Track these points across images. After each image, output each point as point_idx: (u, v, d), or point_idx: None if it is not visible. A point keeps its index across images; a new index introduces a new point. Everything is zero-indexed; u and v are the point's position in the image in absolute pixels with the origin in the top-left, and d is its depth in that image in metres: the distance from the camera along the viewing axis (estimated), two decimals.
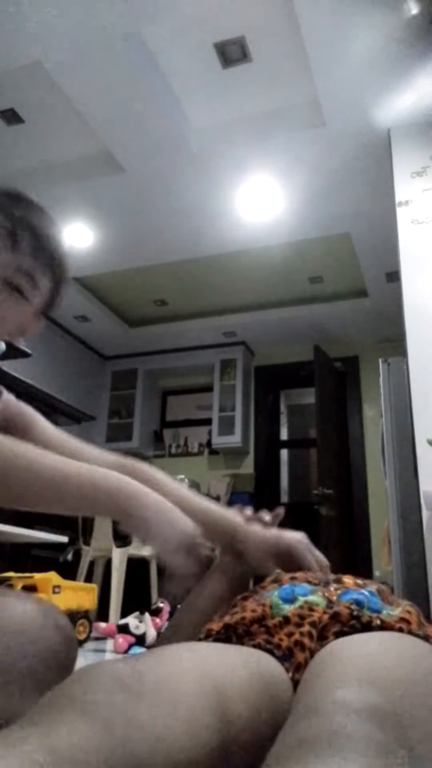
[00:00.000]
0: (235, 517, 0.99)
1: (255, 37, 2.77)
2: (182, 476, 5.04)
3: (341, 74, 2.78)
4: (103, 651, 2.56)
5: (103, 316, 5.37)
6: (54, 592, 2.51)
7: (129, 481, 0.77)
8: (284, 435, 6.21)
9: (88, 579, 3.74)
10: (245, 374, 5.72)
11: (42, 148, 3.47)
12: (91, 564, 3.85)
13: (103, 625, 2.64)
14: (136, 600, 3.31)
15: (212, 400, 5.70)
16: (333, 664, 0.57)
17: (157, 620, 2.60)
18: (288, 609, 0.72)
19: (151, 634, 2.51)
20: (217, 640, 0.72)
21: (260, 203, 3.76)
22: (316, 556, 0.94)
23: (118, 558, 3.46)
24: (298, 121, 3.15)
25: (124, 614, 2.84)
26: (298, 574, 0.83)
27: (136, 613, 2.60)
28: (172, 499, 0.92)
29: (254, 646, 0.68)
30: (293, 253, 4.38)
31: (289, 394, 6.30)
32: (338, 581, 0.80)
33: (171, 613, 2.73)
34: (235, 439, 5.49)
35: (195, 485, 5.20)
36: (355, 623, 0.67)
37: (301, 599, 0.74)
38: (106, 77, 2.86)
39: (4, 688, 0.61)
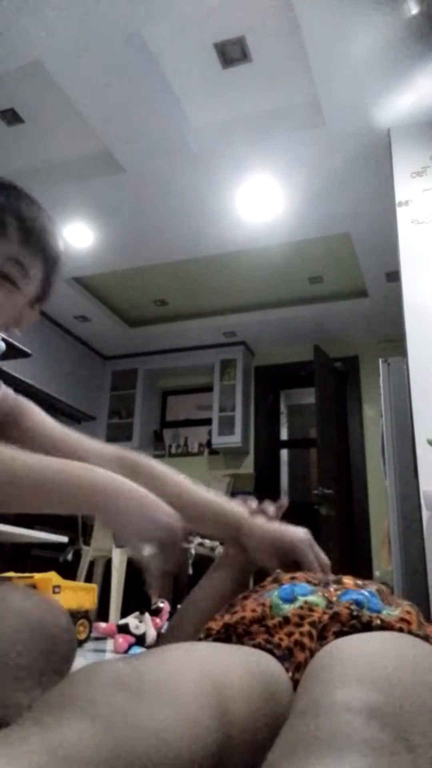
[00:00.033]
0: (239, 509, 0.98)
1: (255, 37, 2.77)
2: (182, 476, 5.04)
3: (341, 74, 2.78)
4: (103, 651, 2.56)
5: (103, 316, 5.37)
6: (54, 592, 2.51)
7: (98, 475, 0.72)
8: (284, 435, 6.21)
9: (88, 579, 3.74)
10: (245, 374, 5.72)
11: (42, 148, 3.47)
12: (91, 564, 3.85)
13: (103, 625, 2.64)
14: (136, 600, 3.31)
15: (212, 400, 5.70)
16: (333, 664, 0.57)
17: (157, 620, 2.60)
18: (288, 609, 0.72)
19: (151, 634, 2.51)
20: (217, 639, 0.72)
21: (260, 203, 3.76)
22: (318, 555, 0.94)
23: (118, 558, 3.46)
24: (298, 121, 3.15)
25: (124, 614, 2.84)
26: (298, 574, 0.83)
27: (136, 613, 2.60)
28: (171, 491, 0.92)
29: (254, 646, 0.68)
30: (293, 253, 4.38)
31: (289, 394, 6.30)
32: (338, 582, 0.80)
33: (171, 613, 2.73)
34: (235, 439, 5.49)
35: None
36: (355, 623, 0.67)
37: (301, 599, 0.74)
38: (106, 77, 2.86)
39: (5, 679, 0.60)
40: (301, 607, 0.72)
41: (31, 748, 0.39)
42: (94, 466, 0.74)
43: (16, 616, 0.66)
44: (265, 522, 0.96)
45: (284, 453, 6.13)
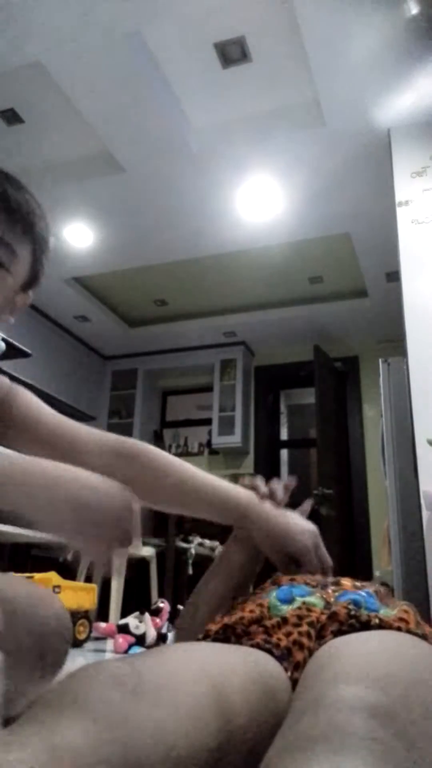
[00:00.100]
0: (247, 495, 0.94)
1: (255, 37, 2.77)
2: None
3: (341, 74, 2.78)
4: (103, 651, 2.56)
5: (103, 316, 5.37)
6: (54, 592, 2.51)
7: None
8: (284, 435, 6.20)
9: (88, 579, 3.74)
10: (245, 374, 5.72)
11: (42, 148, 3.47)
12: (91, 564, 3.85)
13: (103, 625, 2.63)
14: (136, 600, 3.31)
15: (212, 400, 5.70)
16: (332, 662, 0.57)
17: (157, 620, 2.60)
18: (286, 610, 0.73)
19: (151, 634, 2.51)
20: (215, 640, 0.72)
21: (260, 203, 3.76)
22: (322, 557, 0.93)
23: (118, 558, 3.46)
24: (298, 121, 3.15)
25: (124, 614, 2.84)
26: (298, 577, 0.83)
27: (136, 613, 2.60)
28: (171, 480, 0.91)
29: (253, 646, 0.68)
30: (293, 253, 4.38)
31: (289, 394, 6.30)
32: (337, 584, 0.81)
33: (171, 613, 2.73)
34: (235, 439, 5.50)
35: None
36: (353, 622, 0.67)
37: (299, 600, 0.74)
38: (106, 77, 2.86)
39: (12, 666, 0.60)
40: (299, 608, 0.72)
41: (31, 748, 0.40)
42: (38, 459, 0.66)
43: (10, 604, 0.66)
44: (273, 511, 0.93)
45: (284, 453, 6.13)
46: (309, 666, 0.61)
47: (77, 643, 2.52)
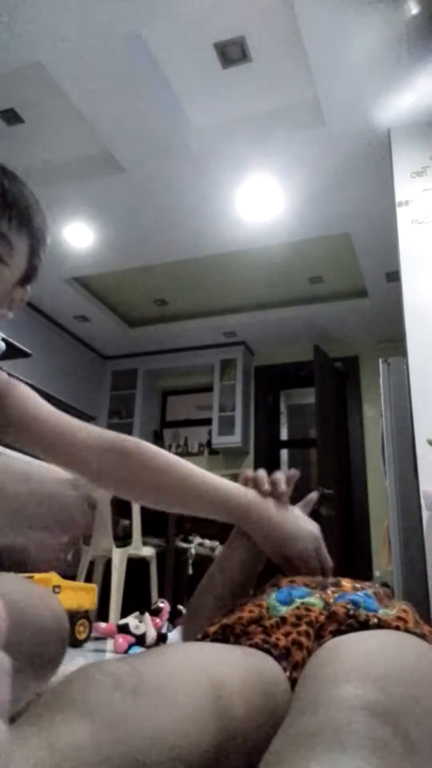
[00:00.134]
0: (248, 494, 0.92)
1: (255, 37, 2.77)
2: None
3: (341, 74, 2.79)
4: (103, 651, 2.56)
5: (103, 316, 5.37)
6: (54, 592, 2.51)
7: None
8: (284, 435, 6.21)
9: (88, 579, 3.74)
10: (245, 374, 5.72)
11: (42, 148, 3.47)
12: (91, 564, 3.85)
13: (103, 625, 2.63)
14: (136, 600, 3.31)
15: (212, 400, 5.71)
16: (332, 662, 0.57)
17: (157, 620, 2.60)
18: (285, 610, 0.73)
19: (151, 634, 2.51)
20: (214, 640, 0.72)
21: (260, 203, 3.76)
22: (322, 558, 0.93)
23: (118, 558, 3.46)
24: (298, 121, 3.15)
25: (124, 614, 2.84)
26: (297, 578, 0.83)
27: (136, 613, 2.60)
28: (170, 480, 0.90)
29: (251, 646, 0.68)
30: (293, 253, 4.38)
31: (289, 394, 6.31)
32: (336, 585, 0.81)
33: (171, 613, 2.73)
34: (235, 439, 5.50)
35: None
36: (352, 622, 0.67)
37: (298, 601, 0.74)
38: (106, 77, 2.86)
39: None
40: (298, 608, 0.72)
41: (31, 748, 0.40)
42: None
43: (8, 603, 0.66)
44: (275, 511, 0.92)
45: (284, 453, 6.13)
46: (308, 666, 0.61)
47: (77, 643, 2.52)
